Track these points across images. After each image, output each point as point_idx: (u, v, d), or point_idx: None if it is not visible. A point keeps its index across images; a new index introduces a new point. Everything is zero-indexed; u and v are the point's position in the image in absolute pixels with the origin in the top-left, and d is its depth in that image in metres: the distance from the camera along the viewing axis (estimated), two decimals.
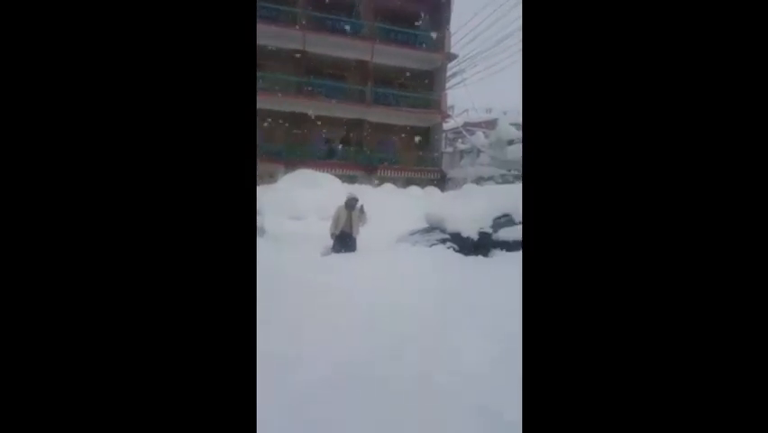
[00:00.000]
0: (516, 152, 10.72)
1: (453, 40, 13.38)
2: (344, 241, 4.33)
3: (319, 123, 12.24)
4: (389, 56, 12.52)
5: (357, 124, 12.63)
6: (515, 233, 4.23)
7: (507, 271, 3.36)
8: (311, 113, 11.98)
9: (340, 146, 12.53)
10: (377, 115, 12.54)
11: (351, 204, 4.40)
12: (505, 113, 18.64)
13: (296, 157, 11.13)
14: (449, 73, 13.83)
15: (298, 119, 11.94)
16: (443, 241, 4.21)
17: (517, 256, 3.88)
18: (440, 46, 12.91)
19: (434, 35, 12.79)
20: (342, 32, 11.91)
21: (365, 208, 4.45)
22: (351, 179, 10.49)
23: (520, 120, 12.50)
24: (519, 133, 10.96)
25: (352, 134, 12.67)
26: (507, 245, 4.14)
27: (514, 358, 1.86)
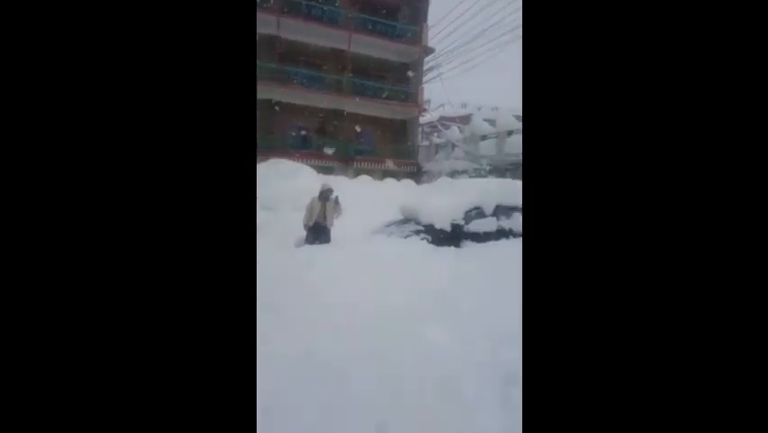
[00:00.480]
0: (489, 147, 11.01)
1: (431, 34, 13.42)
2: (318, 232, 4.31)
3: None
4: (367, 46, 12.37)
5: (333, 114, 12.45)
6: (485, 225, 4.38)
7: (476, 261, 3.49)
8: (285, 100, 11.65)
9: (312, 134, 12.31)
10: (354, 106, 12.41)
11: (325, 195, 4.37)
12: (479, 108, 19.01)
13: (268, 146, 10.82)
14: (426, 67, 13.88)
15: (272, 107, 11.59)
16: (418, 232, 4.29)
17: (486, 247, 4.03)
18: (417, 39, 12.91)
19: (412, 27, 12.77)
20: (319, 20, 11.62)
21: (340, 200, 4.43)
22: (326, 170, 10.37)
23: (493, 116, 12.82)
24: (492, 129, 11.25)
25: (327, 125, 12.47)
26: (477, 237, 4.29)
27: (487, 344, 1.96)
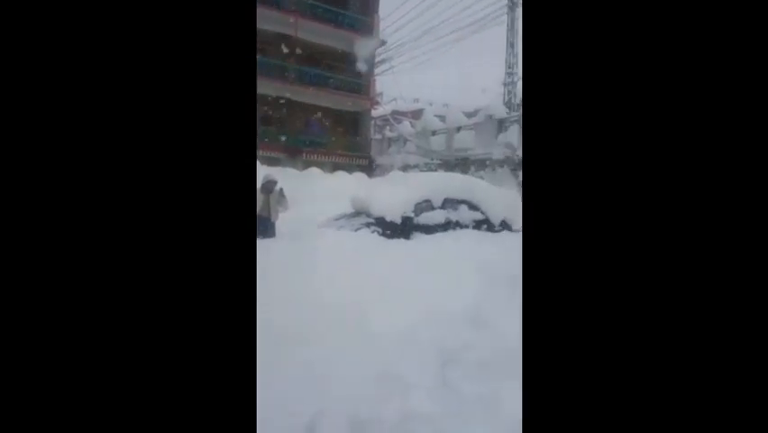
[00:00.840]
0: (439, 142, 11.32)
1: (381, 26, 13.34)
2: (261, 226, 4.06)
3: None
4: (316, 34, 11.92)
5: (280, 102, 11.84)
6: (433, 217, 4.47)
7: (425, 252, 3.54)
8: None
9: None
10: (303, 95, 11.92)
11: (268, 187, 4.13)
12: (431, 104, 19.45)
13: None
14: (377, 59, 13.80)
15: None
16: (368, 225, 4.24)
17: (434, 238, 4.12)
18: (368, 30, 12.74)
19: (363, 18, 12.57)
20: (263, 2, 10.91)
21: (285, 192, 4.21)
22: (273, 162, 9.85)
23: (443, 112, 13.19)
24: (442, 125, 11.57)
25: (274, 114, 11.84)
26: (427, 228, 4.37)
27: (436, 335, 1.98)
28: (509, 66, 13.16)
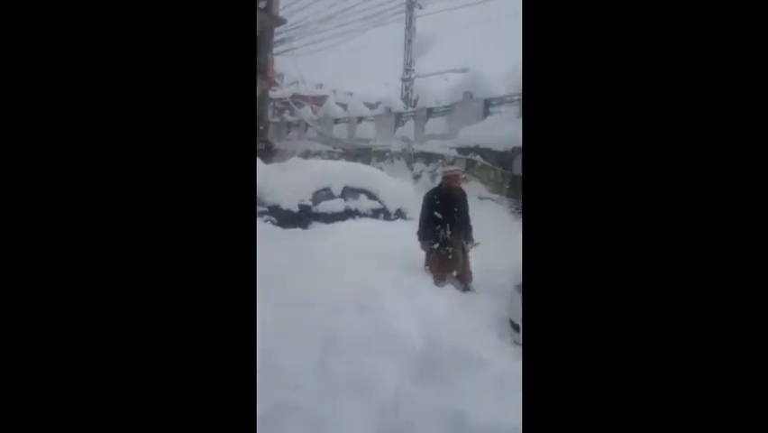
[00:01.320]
0: (342, 130, 11.27)
1: (282, 3, 12.40)
2: None
3: None
4: None
5: None
6: (332, 206, 4.44)
7: (322, 241, 3.49)
8: None
9: None
10: None
11: None
12: (334, 91, 19.14)
13: None
14: (276, 38, 12.80)
15: None
16: (261, 214, 3.97)
17: (333, 227, 4.11)
18: (266, 3, 11.69)
19: None
20: None
21: None
22: None
23: (346, 101, 13.13)
24: (345, 113, 11.53)
25: None
26: (326, 217, 4.32)
27: (322, 322, 1.96)
28: (407, 62, 13.84)
